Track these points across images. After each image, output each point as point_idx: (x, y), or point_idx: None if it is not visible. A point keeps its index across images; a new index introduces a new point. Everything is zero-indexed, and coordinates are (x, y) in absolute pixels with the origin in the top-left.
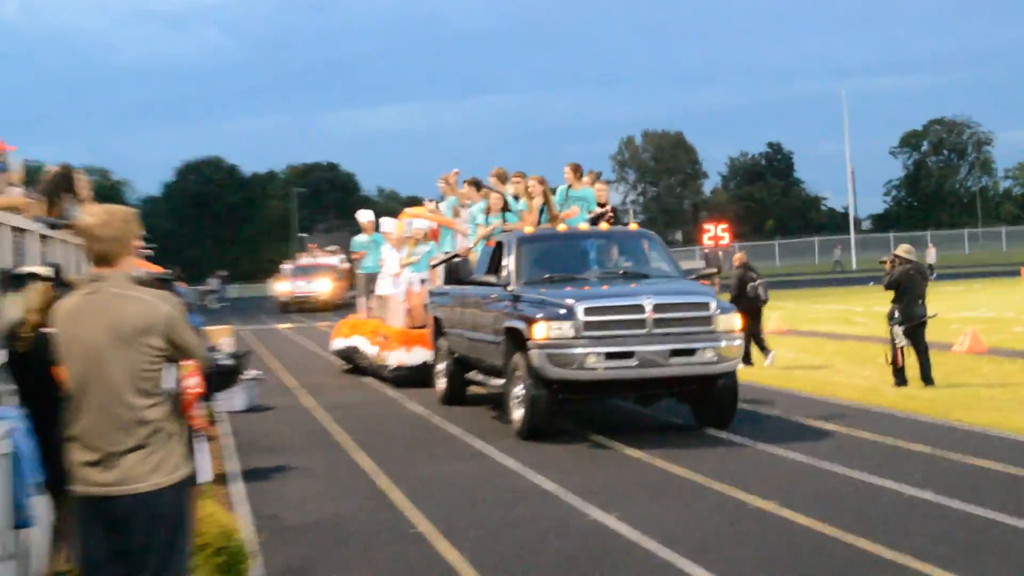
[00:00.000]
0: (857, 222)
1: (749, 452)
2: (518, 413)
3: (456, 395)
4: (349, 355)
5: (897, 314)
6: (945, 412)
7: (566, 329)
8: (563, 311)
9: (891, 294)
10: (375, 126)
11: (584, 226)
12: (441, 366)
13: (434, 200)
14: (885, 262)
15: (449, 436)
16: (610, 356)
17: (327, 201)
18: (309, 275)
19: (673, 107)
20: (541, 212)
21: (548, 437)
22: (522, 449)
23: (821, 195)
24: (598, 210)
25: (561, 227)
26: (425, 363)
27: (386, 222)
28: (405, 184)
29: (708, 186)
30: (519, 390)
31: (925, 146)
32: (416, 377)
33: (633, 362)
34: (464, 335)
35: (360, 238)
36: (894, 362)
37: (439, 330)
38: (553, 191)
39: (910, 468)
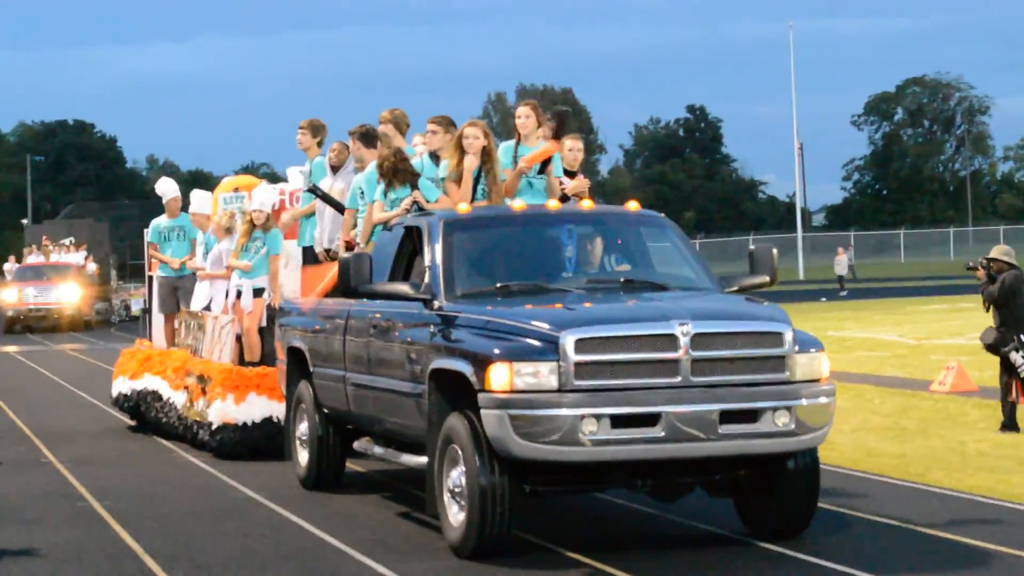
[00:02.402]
0: (806, 216)
1: None
2: (456, 515)
3: (329, 476)
4: (139, 406)
5: (1020, 336)
6: (920, 473)
7: (545, 375)
8: (538, 343)
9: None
10: (144, 71)
11: (554, 203)
12: (302, 429)
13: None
14: (975, 268)
15: (299, 536)
16: (619, 421)
17: (76, 175)
18: (45, 279)
19: (558, 54)
20: (476, 180)
21: (503, 554)
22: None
23: (759, 179)
24: (567, 183)
25: (517, 204)
26: (270, 420)
27: (198, 198)
28: (188, 153)
29: (606, 164)
30: (457, 476)
31: (899, 114)
32: (253, 443)
33: (658, 431)
34: (348, 379)
35: (162, 222)
36: (1010, 399)
37: (298, 370)
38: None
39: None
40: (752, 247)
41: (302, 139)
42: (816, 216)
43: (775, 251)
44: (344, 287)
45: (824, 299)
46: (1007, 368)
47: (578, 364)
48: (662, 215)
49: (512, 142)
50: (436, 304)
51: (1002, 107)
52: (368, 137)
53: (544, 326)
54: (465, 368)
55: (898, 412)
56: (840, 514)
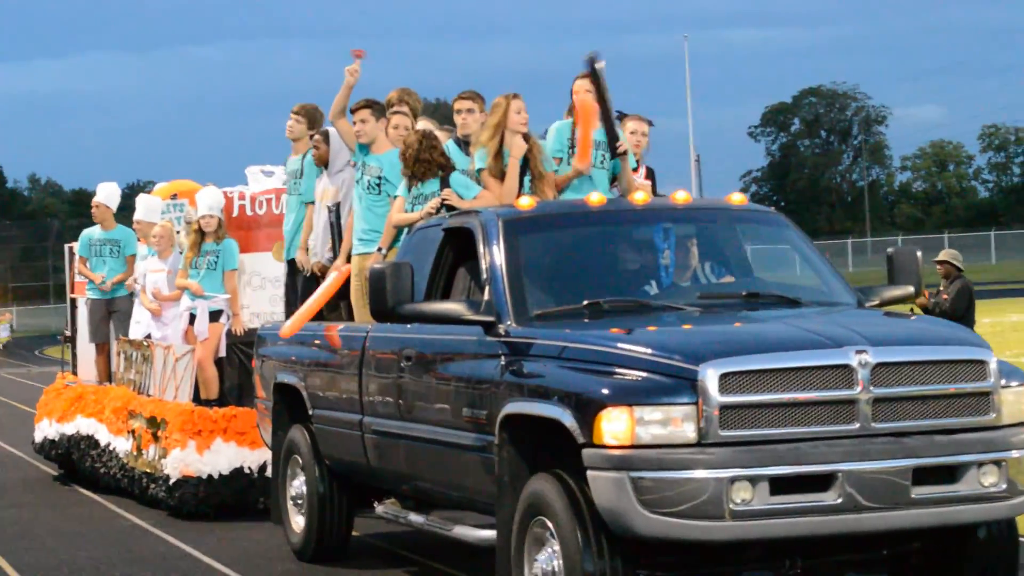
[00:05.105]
0: None
1: None
2: None
3: (332, 543)
4: (71, 454)
5: None
6: None
7: (680, 423)
8: (666, 380)
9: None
10: (23, 88)
11: (641, 196)
12: (296, 485)
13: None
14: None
15: None
16: (782, 485)
17: None
18: None
19: (451, 69)
20: (523, 171)
21: None
22: None
23: (657, 192)
24: (634, 179)
25: (595, 197)
26: (241, 471)
27: (145, 204)
28: (71, 172)
29: None
30: (547, 560)
31: (796, 124)
32: (221, 500)
33: (832, 497)
34: (367, 425)
35: (94, 234)
36: None
37: (289, 412)
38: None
39: None
40: (891, 249)
41: (294, 127)
42: None
43: (919, 254)
44: (378, 308)
45: None
46: None
47: (724, 407)
48: (774, 210)
49: (567, 121)
50: (502, 328)
51: (899, 117)
52: (380, 108)
53: (673, 356)
54: (561, 415)
55: None
56: None
